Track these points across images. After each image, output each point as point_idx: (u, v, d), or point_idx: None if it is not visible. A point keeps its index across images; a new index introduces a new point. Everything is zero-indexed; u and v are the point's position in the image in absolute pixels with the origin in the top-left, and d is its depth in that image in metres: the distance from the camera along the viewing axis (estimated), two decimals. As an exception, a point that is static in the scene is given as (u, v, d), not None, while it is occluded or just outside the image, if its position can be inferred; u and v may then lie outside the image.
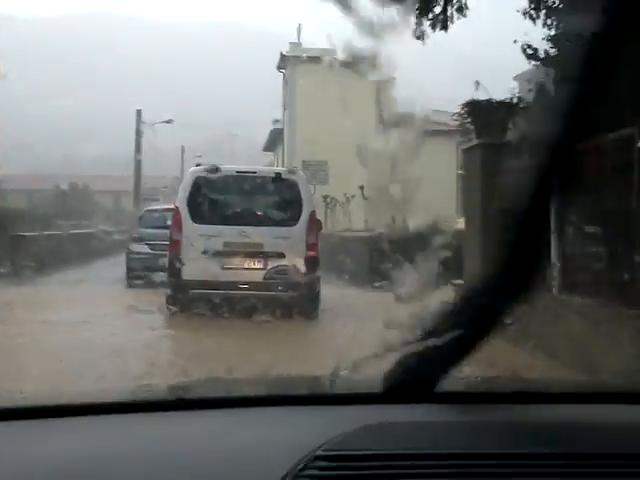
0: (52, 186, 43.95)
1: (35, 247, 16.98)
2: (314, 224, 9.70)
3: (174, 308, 9.48)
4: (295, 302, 9.44)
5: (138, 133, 35.80)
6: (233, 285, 9.35)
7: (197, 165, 10.29)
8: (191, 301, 9.38)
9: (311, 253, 9.56)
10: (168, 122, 37.85)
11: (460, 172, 39.30)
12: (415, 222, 23.67)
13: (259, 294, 9.34)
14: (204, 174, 9.83)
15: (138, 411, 1.28)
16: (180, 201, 9.87)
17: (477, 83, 9.40)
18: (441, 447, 1.06)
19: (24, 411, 1.28)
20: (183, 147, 45.18)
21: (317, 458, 1.02)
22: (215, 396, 1.42)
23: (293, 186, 9.78)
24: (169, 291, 9.58)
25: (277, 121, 37.67)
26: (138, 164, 35.63)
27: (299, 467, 0.99)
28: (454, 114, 9.46)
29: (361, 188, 24.01)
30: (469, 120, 9.19)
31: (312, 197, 10.13)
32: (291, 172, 10.21)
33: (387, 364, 1.26)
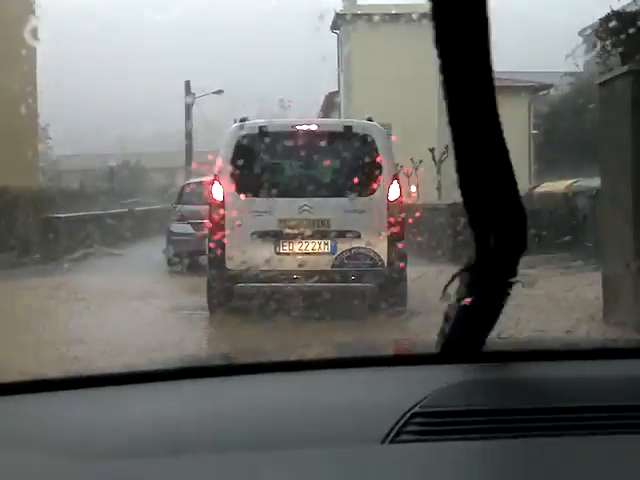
0: (105, 166, 43.09)
1: (71, 229, 15.44)
2: (398, 193, 7.29)
3: (217, 307, 7.32)
4: (375, 296, 7.15)
5: (187, 104, 34.60)
6: (292, 276, 7.11)
7: (241, 121, 7.94)
8: (238, 297, 7.21)
9: (395, 231, 7.20)
10: (218, 93, 36.37)
11: (534, 132, 36.09)
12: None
13: (327, 286, 7.10)
14: (251, 132, 7.54)
15: (224, 375, 1.31)
16: (221, 168, 7.60)
17: (618, -10, 6.81)
18: (534, 402, 1.12)
19: (78, 381, 1.31)
20: (235, 120, 43.34)
21: (415, 415, 1.06)
22: (287, 360, 1.47)
23: (368, 142, 7.38)
24: (210, 285, 7.41)
25: (330, 94, 35.65)
26: (189, 137, 34.46)
27: (400, 424, 1.04)
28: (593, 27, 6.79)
29: (431, 150, 21.57)
30: (610, 41, 6.63)
31: (393, 156, 7.68)
32: (365, 125, 7.71)
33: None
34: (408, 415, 1.06)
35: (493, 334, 1.31)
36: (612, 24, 6.56)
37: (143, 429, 1.09)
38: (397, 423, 1.04)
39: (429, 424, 1.06)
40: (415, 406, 1.08)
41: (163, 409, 1.17)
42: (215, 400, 1.20)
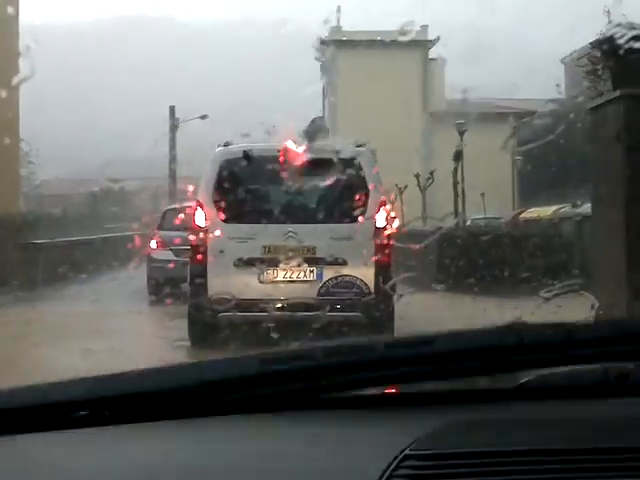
0: (89, 190, 42.94)
1: (49, 256, 15.11)
2: (385, 219, 7.10)
3: (198, 338, 7.07)
4: (361, 326, 6.93)
5: (172, 129, 34.58)
6: (277, 304, 6.88)
7: (225, 145, 7.75)
8: (220, 327, 6.95)
9: (382, 258, 7.00)
10: (203, 118, 36.32)
11: (518, 158, 36.31)
12: (475, 214, 21.28)
13: (312, 316, 6.86)
14: (234, 156, 7.35)
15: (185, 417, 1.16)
16: (203, 193, 7.39)
17: (608, 13, 6.71)
18: (527, 444, 1.04)
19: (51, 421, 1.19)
20: (219, 144, 43.27)
21: (408, 457, 1.00)
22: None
23: (356, 168, 7.19)
24: (191, 315, 7.16)
25: (315, 119, 35.68)
26: (173, 162, 34.36)
27: (391, 467, 0.98)
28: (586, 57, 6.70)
29: (417, 176, 21.51)
30: (603, 65, 6.51)
31: (381, 181, 7.50)
32: (352, 150, 7.50)
33: None
34: (400, 457, 0.99)
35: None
36: (604, 48, 6.45)
37: (122, 474, 1.01)
38: (388, 467, 0.97)
39: (422, 467, 0.98)
40: (407, 447, 1.01)
41: (140, 452, 1.08)
42: (187, 446, 1.08)
